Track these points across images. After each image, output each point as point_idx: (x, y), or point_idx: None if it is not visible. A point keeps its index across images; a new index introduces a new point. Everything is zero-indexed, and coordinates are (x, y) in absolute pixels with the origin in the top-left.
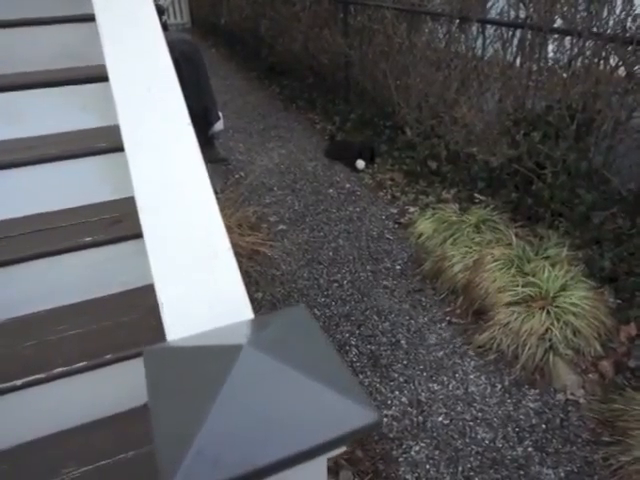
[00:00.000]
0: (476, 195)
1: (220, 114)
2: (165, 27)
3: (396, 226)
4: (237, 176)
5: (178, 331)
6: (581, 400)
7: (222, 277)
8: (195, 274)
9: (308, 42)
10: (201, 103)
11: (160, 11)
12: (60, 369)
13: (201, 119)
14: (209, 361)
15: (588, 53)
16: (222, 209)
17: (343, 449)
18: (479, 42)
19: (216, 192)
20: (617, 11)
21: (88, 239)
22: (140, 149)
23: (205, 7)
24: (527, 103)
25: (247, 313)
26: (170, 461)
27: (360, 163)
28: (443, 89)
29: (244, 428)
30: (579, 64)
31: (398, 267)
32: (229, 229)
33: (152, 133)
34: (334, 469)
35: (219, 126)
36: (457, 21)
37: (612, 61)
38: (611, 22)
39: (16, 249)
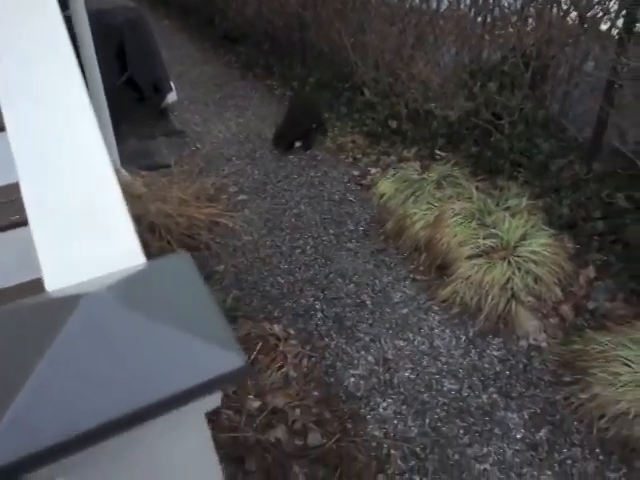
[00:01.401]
0: (437, 152)
1: (172, 85)
2: None
3: (358, 188)
4: (194, 148)
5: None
6: (543, 344)
7: (115, 237)
8: (80, 224)
9: (261, 5)
10: (150, 74)
11: None
12: None
13: (152, 91)
14: (44, 316)
15: None
16: (177, 182)
17: (215, 403)
18: None
19: (169, 165)
20: None
21: (15, 218)
22: (19, 109)
23: None
24: (483, 54)
25: (139, 262)
26: None
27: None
28: (399, 45)
29: (77, 388)
30: (532, 10)
31: (361, 229)
32: (185, 202)
33: (27, 83)
34: (302, 432)
35: (172, 97)
36: None
37: (564, 5)
38: None
39: None
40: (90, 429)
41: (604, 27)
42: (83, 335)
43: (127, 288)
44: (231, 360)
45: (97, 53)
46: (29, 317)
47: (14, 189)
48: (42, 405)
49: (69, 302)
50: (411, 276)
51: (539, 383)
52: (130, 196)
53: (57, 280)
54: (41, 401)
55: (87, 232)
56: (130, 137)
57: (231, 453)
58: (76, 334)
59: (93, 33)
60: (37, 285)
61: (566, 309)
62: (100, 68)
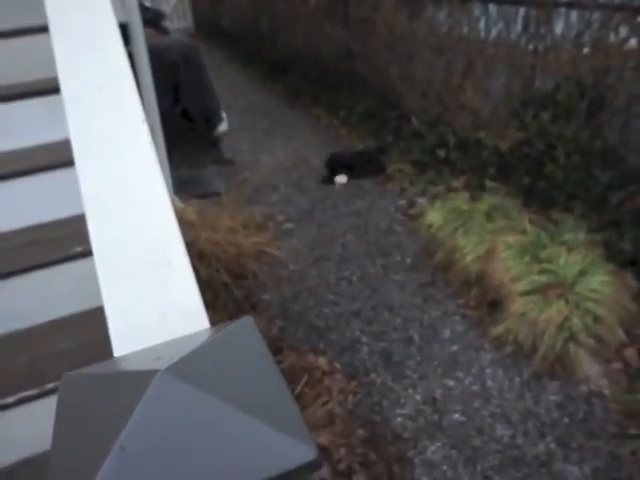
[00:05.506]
0: (487, 182)
1: (224, 115)
2: (166, 31)
3: (405, 218)
4: (242, 176)
5: (123, 347)
6: (605, 391)
7: (175, 286)
8: (145, 284)
9: (309, 36)
10: (203, 105)
11: (161, 16)
12: (52, 384)
13: (203, 121)
14: (119, 392)
15: (596, 26)
16: (226, 211)
17: None
18: (482, 23)
19: (220, 194)
20: None
21: (79, 249)
22: (89, 156)
23: (207, 10)
24: (535, 83)
25: (202, 325)
26: None
27: (341, 178)
28: (448, 74)
29: (149, 477)
30: (587, 38)
31: (408, 260)
32: (234, 230)
33: (101, 136)
34: (347, 473)
35: (223, 127)
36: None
37: (622, 32)
38: None
39: (9, 262)
40: None
41: None
42: (155, 420)
43: (196, 362)
44: (305, 454)
45: (154, 85)
46: (108, 389)
47: (81, 220)
48: None
49: (143, 379)
50: (461, 311)
51: (602, 434)
52: (183, 223)
53: (122, 333)
54: None
55: (151, 281)
56: (182, 165)
57: None
58: (148, 419)
59: (151, 67)
60: (98, 314)
61: (630, 353)
62: (157, 100)
